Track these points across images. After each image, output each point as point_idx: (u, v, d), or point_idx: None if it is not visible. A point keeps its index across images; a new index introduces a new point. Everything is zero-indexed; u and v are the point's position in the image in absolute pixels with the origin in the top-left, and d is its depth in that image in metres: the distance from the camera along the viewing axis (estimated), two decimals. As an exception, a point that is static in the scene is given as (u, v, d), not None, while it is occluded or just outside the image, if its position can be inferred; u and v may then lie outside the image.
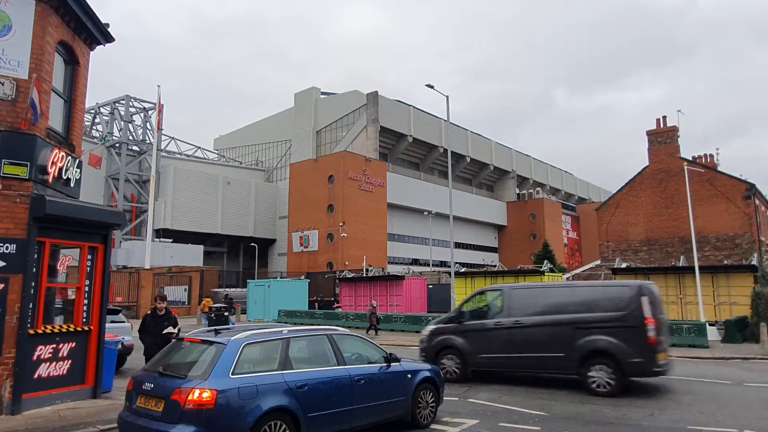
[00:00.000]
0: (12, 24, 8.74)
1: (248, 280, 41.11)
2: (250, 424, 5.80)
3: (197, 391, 5.65)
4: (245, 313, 37.21)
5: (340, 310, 34.39)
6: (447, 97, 25.54)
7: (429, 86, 25.07)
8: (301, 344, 7.03)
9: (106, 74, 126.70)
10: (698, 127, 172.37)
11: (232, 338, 6.34)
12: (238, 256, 69.51)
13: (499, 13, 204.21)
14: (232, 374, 5.95)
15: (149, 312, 9.80)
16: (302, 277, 45.39)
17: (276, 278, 46.81)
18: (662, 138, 38.60)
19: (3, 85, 8.57)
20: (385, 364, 7.68)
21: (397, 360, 7.90)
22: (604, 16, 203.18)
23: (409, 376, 7.93)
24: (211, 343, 6.41)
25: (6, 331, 8.23)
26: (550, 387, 11.39)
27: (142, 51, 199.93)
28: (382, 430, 7.61)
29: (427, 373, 8.26)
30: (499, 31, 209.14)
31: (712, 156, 41.54)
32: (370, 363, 7.56)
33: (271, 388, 6.11)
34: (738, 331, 20.83)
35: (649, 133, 39.17)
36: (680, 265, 29.35)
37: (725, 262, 31.54)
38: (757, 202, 35.78)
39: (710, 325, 20.83)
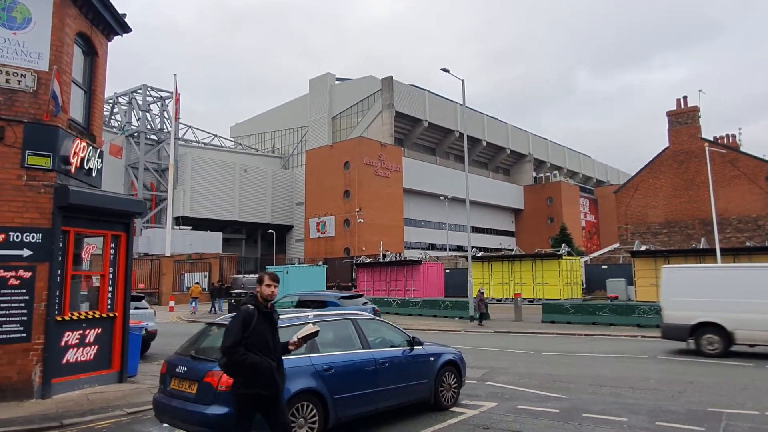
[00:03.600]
0: (32, 16, 8.87)
1: (266, 266, 41.59)
2: None
3: None
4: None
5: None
6: (462, 81, 25.30)
7: (444, 70, 24.85)
8: (326, 328, 7.13)
9: (123, 64, 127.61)
10: (723, 106, 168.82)
11: None
12: (256, 243, 70.19)
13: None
14: None
15: (250, 305, 4.86)
16: (320, 262, 45.76)
17: (294, 264, 47.25)
18: (683, 119, 37.89)
19: (24, 77, 8.72)
20: (408, 348, 7.79)
21: (420, 343, 8.02)
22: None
23: (432, 359, 8.04)
24: None
25: (35, 318, 8.47)
26: (570, 372, 11.41)
27: (160, 40, 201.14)
28: (405, 412, 7.73)
29: (450, 357, 8.37)
30: (520, 13, 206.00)
31: (734, 136, 40.66)
32: (393, 346, 7.68)
33: (299, 371, 6.26)
34: (760, 313, 20.52)
35: (670, 114, 38.46)
36: (701, 247, 28.98)
37: (747, 243, 31.05)
38: (781, 182, 35.01)
39: (732, 307, 20.54)
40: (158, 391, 6.67)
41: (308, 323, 5.04)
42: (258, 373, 4.61)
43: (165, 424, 6.94)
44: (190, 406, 5.95)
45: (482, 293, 23.21)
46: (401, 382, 7.44)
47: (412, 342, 7.90)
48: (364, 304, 17.09)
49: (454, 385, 8.30)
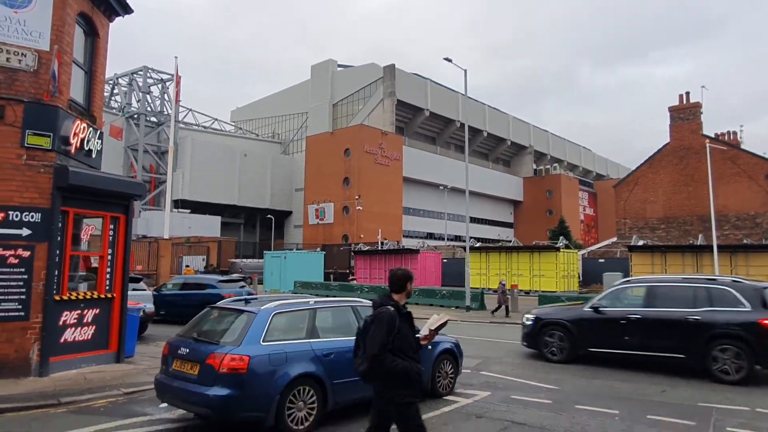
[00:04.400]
0: (33, -5, 8.80)
1: (265, 252, 41.61)
2: (281, 388, 6.10)
3: (231, 356, 5.94)
4: (262, 284, 37.79)
5: (355, 282, 34.76)
6: (465, 71, 25.19)
7: (447, 60, 24.72)
8: (326, 314, 7.25)
9: (124, 45, 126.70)
10: (725, 103, 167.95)
11: (262, 307, 6.61)
12: (255, 228, 70.23)
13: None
14: (263, 341, 6.24)
15: (390, 307, 4.43)
16: (318, 249, 45.83)
17: (292, 250, 47.29)
18: (684, 114, 37.78)
19: (25, 56, 8.68)
20: None
21: (418, 331, 8.01)
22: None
23: (429, 347, 8.07)
24: (242, 311, 6.69)
25: (33, 296, 8.52)
26: (562, 363, 11.50)
27: (162, 22, 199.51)
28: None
29: (447, 345, 8.46)
30: (524, 5, 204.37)
31: (735, 133, 40.61)
32: None
33: (299, 356, 6.40)
34: (754, 310, 20.64)
35: (671, 110, 38.33)
36: (698, 243, 29.05)
37: (745, 241, 31.13)
38: (780, 180, 35.01)
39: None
40: (160, 372, 6.80)
41: (433, 314, 4.74)
42: (409, 378, 4.36)
43: (163, 404, 7.04)
44: (191, 387, 6.06)
45: (504, 285, 22.35)
46: None
47: None
48: (242, 287, 18.50)
49: (450, 374, 8.39)
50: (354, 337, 6.97)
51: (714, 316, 9.80)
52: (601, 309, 11.14)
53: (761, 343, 9.27)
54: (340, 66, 73.08)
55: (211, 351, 6.11)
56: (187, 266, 35.00)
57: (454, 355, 8.52)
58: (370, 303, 7.99)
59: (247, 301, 7.13)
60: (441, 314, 4.74)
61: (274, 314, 6.57)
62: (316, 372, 6.44)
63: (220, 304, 7.45)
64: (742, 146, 38.83)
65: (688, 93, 37.90)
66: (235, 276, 23.99)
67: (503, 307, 21.67)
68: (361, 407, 7.25)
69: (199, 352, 6.23)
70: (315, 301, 7.30)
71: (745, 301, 9.72)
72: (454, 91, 70.56)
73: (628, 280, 12.80)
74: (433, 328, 4.60)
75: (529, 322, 12.05)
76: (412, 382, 4.37)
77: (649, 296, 10.87)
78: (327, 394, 6.52)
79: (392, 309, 4.39)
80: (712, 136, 38.07)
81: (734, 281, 10.47)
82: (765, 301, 9.66)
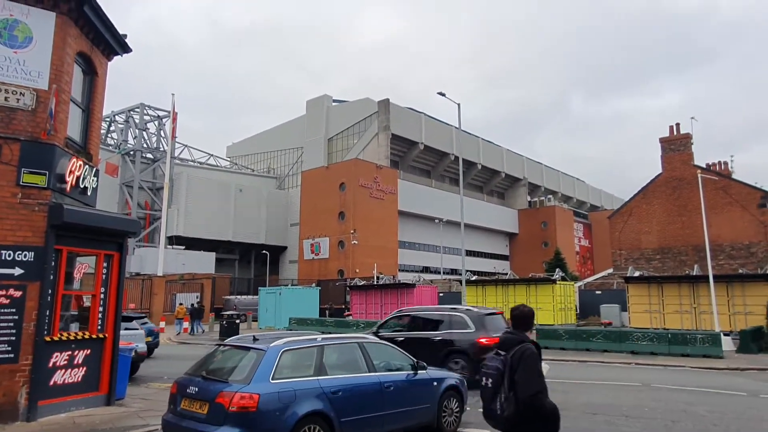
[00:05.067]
0: (33, 35, 8.94)
1: (259, 288, 41.28)
2: (290, 426, 6.03)
3: (241, 395, 5.90)
4: (256, 321, 37.34)
5: (350, 318, 34.39)
6: (458, 105, 25.59)
7: (441, 94, 25.14)
8: (334, 351, 7.25)
9: (122, 82, 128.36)
10: (716, 133, 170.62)
11: (271, 345, 6.60)
12: (250, 263, 69.82)
13: (516, 19, 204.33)
14: (272, 379, 6.21)
15: (529, 344, 4.25)
16: (313, 284, 45.51)
17: (287, 285, 46.93)
18: (675, 145, 38.33)
19: (23, 95, 8.75)
20: (412, 372, 7.85)
21: (424, 368, 8.11)
22: (623, 21, 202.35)
23: (435, 383, 8.12)
24: (251, 348, 6.69)
25: (23, 338, 8.35)
26: (563, 398, 11.31)
27: (159, 58, 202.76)
28: None
29: (453, 381, 8.45)
30: (516, 37, 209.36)
31: (726, 163, 41.12)
32: (398, 370, 7.77)
33: (308, 393, 6.37)
34: (753, 341, 20.54)
35: (662, 141, 38.90)
36: (694, 273, 29.04)
37: (740, 270, 31.17)
38: (772, 210, 35.30)
39: (725, 335, 20.56)
40: (167, 411, 6.74)
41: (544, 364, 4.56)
42: (556, 419, 4.16)
43: None
44: (201, 427, 6.01)
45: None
46: (405, 406, 7.49)
47: (416, 366, 7.96)
48: (144, 324, 17.70)
49: (456, 410, 8.34)
50: (363, 374, 7.12)
51: (451, 336, 12.60)
52: (379, 333, 13.50)
53: (477, 356, 11.09)
54: (335, 101, 74.09)
55: (220, 389, 6.06)
56: (181, 304, 34.73)
57: (459, 391, 8.48)
58: (376, 339, 8.09)
59: (255, 339, 7.11)
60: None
61: (283, 351, 6.55)
62: (325, 410, 6.41)
63: (228, 341, 7.46)
64: (734, 176, 39.28)
65: (678, 124, 38.57)
66: (137, 313, 22.54)
67: None
68: None
69: (208, 390, 6.19)
70: (323, 338, 7.29)
71: (472, 324, 12.48)
72: (448, 124, 71.46)
73: (400, 311, 15.64)
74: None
75: None
76: (556, 423, 4.17)
77: (412, 322, 13.91)
78: None
79: (533, 347, 4.19)
80: (704, 166, 38.55)
81: (467, 309, 13.29)
82: (485, 324, 12.38)
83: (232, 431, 5.77)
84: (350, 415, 6.63)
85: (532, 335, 3.73)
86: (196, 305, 34.41)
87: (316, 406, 6.33)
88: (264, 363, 6.28)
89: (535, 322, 4.62)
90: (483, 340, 11.70)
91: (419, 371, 7.92)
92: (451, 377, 8.59)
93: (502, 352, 4.22)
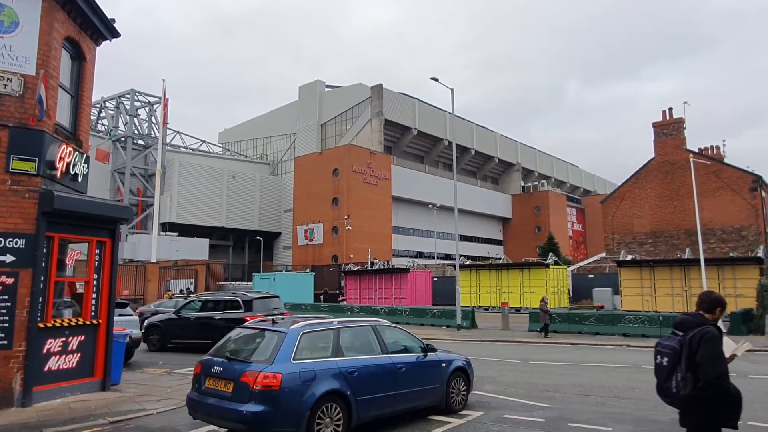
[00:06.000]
0: (19, 20, 8.80)
1: (254, 273, 41.32)
2: (310, 404, 6.33)
3: (265, 374, 6.21)
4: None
5: (345, 302, 34.52)
6: (452, 90, 25.48)
7: (434, 79, 25.01)
8: (349, 334, 7.54)
9: (111, 68, 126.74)
10: (710, 118, 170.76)
11: (291, 327, 6.90)
12: (244, 250, 69.76)
13: (514, 5, 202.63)
14: (293, 360, 6.51)
15: (711, 326, 4.25)
16: (307, 270, 45.56)
17: (281, 271, 46.99)
18: (668, 130, 38.41)
19: (11, 81, 8.64)
20: (422, 354, 8.17)
21: (434, 350, 8.44)
22: (621, 6, 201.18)
23: (444, 365, 8.45)
24: (271, 331, 7.00)
25: (16, 324, 8.35)
26: (556, 381, 11.46)
27: (150, 45, 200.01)
28: (389, 422, 7.72)
29: (460, 363, 8.77)
30: (514, 23, 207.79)
31: (718, 147, 41.30)
32: (409, 352, 8.09)
33: (326, 373, 6.66)
34: (743, 323, 20.82)
35: (655, 125, 38.97)
36: (686, 257, 29.31)
37: (731, 254, 31.46)
38: (763, 194, 35.63)
39: (715, 317, 20.76)
40: (192, 390, 7.06)
41: (745, 342, 4.44)
42: (738, 402, 4.12)
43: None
44: (226, 404, 6.32)
45: (545, 302, 21.65)
46: (416, 386, 7.83)
47: (426, 348, 8.30)
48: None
49: (463, 390, 8.69)
50: (377, 356, 7.41)
51: (226, 315, 15.32)
52: (180, 313, 16.62)
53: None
54: (327, 86, 73.54)
55: (245, 369, 6.36)
56: (169, 290, 35.07)
57: (466, 372, 8.82)
58: (388, 323, 8.32)
59: (274, 322, 7.38)
60: (746, 343, 4.51)
61: (303, 333, 6.85)
62: (342, 389, 6.70)
63: (248, 324, 7.83)
64: (726, 160, 39.47)
65: (671, 109, 38.61)
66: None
67: (545, 326, 20.63)
68: (381, 423, 7.48)
69: (233, 370, 6.49)
70: (338, 321, 7.60)
71: (243, 306, 15.49)
72: (441, 110, 71.19)
73: (197, 295, 19.34)
74: (738, 354, 4.35)
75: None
76: (738, 408, 4.16)
77: (206, 304, 16.65)
78: (352, 411, 6.76)
79: (714, 329, 4.18)
80: (696, 151, 38.70)
81: (243, 294, 16.33)
82: (252, 307, 15.30)
83: (257, 408, 6.06)
84: (365, 394, 6.95)
85: (719, 320, 3.79)
86: (185, 291, 34.51)
87: (334, 385, 6.62)
88: (285, 344, 6.57)
89: (725, 311, 4.56)
90: (248, 319, 13.45)
91: (429, 353, 8.23)
92: (459, 359, 8.89)
93: (680, 333, 4.27)
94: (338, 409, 6.62)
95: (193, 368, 12.78)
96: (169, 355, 15.67)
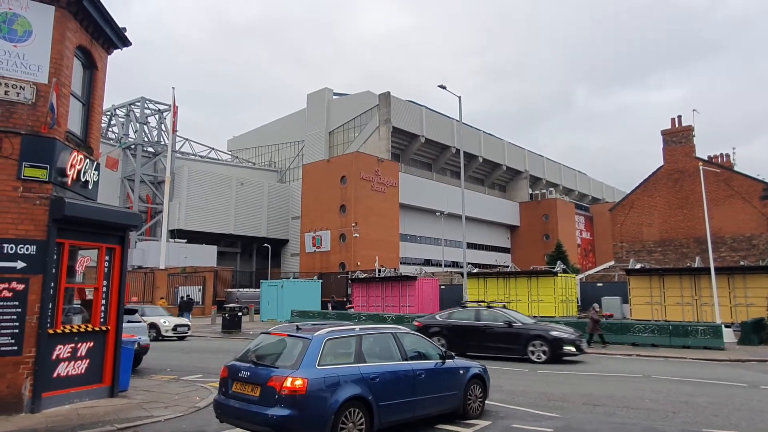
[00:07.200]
0: (32, 29, 8.93)
1: (261, 281, 41.36)
2: (334, 409, 6.49)
3: (292, 379, 6.37)
4: (258, 313, 37.46)
5: (352, 310, 34.47)
6: (459, 98, 25.54)
7: (441, 87, 25.08)
8: (370, 340, 7.69)
9: (122, 76, 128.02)
10: (719, 126, 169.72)
11: (316, 334, 7.04)
12: (252, 257, 69.94)
13: (521, 12, 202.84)
14: (318, 365, 6.67)
15: None
16: (315, 277, 45.58)
17: (289, 279, 47.03)
18: (677, 138, 38.19)
19: (23, 89, 8.75)
20: (440, 360, 8.32)
21: (452, 357, 8.59)
22: (628, 15, 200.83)
23: (462, 372, 8.61)
24: (296, 337, 7.12)
25: (26, 330, 8.40)
26: (564, 390, 11.37)
27: (160, 53, 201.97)
28: (421, 425, 7.92)
29: (476, 370, 8.93)
30: (520, 31, 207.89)
31: (728, 155, 40.98)
32: (428, 359, 8.25)
33: (349, 379, 6.83)
34: (754, 332, 20.57)
35: (664, 133, 38.75)
36: (696, 266, 29.03)
37: (741, 263, 31.14)
38: (774, 202, 35.21)
39: (726, 326, 20.59)
40: (218, 393, 7.26)
41: None
42: None
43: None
44: (253, 408, 6.49)
45: (597, 311, 20.27)
46: (435, 392, 7.97)
47: (444, 355, 8.44)
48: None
49: (480, 397, 8.80)
50: (397, 362, 7.51)
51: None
52: None
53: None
54: (336, 94, 73.87)
55: (272, 374, 6.54)
56: (162, 298, 35.65)
57: (482, 379, 8.95)
58: (408, 330, 8.39)
59: (298, 328, 7.47)
60: None
61: (327, 340, 7.00)
62: (364, 394, 6.84)
63: (273, 330, 7.95)
64: (736, 168, 39.17)
65: (680, 116, 38.38)
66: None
67: (595, 335, 19.42)
68: (402, 428, 7.55)
69: (260, 375, 6.66)
70: (360, 328, 7.77)
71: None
72: (449, 117, 71.26)
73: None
74: None
75: None
76: None
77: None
78: (374, 416, 6.90)
79: None
80: (705, 158, 38.43)
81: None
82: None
83: (283, 412, 6.23)
84: (386, 399, 7.09)
85: None
86: (185, 298, 34.64)
87: (356, 390, 6.78)
88: (310, 350, 6.71)
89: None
90: None
91: (447, 360, 8.37)
92: (476, 366, 8.99)
93: None
94: (361, 414, 6.75)
95: (199, 376, 12.83)
96: (176, 362, 15.70)
